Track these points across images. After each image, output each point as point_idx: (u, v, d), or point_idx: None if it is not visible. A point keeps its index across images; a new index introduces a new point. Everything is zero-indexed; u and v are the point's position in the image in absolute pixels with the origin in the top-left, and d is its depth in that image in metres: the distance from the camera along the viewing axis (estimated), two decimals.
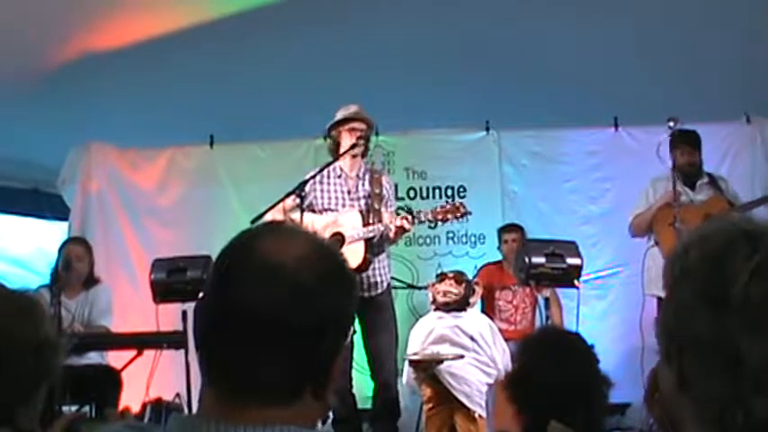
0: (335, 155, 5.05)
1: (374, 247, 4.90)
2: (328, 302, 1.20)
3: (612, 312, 6.44)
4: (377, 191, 5.01)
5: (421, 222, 4.92)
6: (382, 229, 4.82)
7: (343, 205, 4.97)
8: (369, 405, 5.04)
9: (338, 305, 1.22)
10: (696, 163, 5.66)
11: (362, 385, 5.16)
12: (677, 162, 5.48)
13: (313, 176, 4.92)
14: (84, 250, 5.61)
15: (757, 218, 1.04)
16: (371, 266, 4.87)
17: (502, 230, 6.29)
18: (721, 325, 0.95)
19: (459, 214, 4.86)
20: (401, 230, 4.82)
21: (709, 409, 0.96)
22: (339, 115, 5.07)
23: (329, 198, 5.00)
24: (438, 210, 4.88)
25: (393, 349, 4.92)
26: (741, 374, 0.93)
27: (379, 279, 4.91)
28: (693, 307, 0.98)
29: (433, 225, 5.24)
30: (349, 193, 5.01)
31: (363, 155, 5.12)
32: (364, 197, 5.01)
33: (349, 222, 4.89)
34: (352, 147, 4.96)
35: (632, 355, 5.22)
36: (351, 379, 4.84)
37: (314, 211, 4.91)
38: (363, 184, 5.04)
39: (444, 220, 4.88)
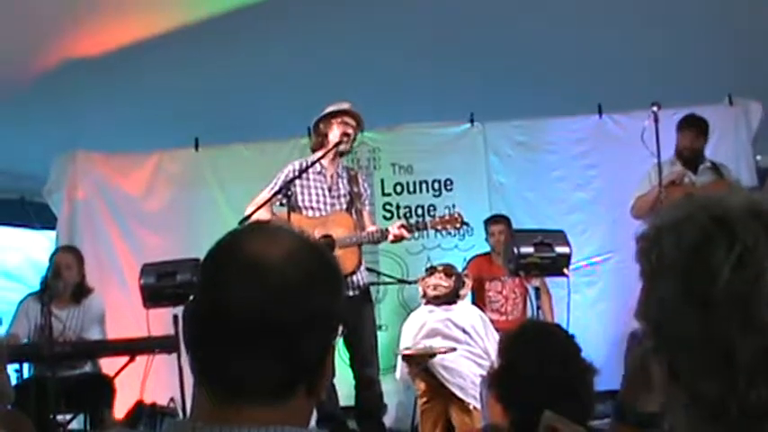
0: (319, 149, 5.03)
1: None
2: (316, 299, 1.19)
3: (603, 299, 6.45)
4: (356, 189, 5.01)
5: (419, 230, 4.95)
6: (378, 236, 4.83)
7: (325, 203, 4.96)
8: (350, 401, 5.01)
9: (326, 302, 1.21)
10: (697, 148, 5.75)
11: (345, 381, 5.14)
12: (679, 144, 5.61)
13: (299, 176, 4.90)
14: (75, 259, 5.58)
15: (720, 196, 1.02)
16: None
17: (488, 222, 6.29)
18: (709, 323, 0.93)
19: (457, 225, 4.89)
20: (399, 239, 4.83)
21: (703, 403, 0.95)
22: (331, 108, 5.04)
23: (310, 195, 4.98)
24: (437, 220, 4.91)
25: (375, 346, 4.93)
26: (734, 369, 0.92)
27: (358, 278, 4.91)
28: (677, 304, 0.96)
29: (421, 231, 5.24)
30: (330, 190, 5.00)
31: (344, 154, 5.11)
32: (344, 196, 5.00)
33: (338, 224, 4.88)
34: (338, 144, 4.94)
35: (624, 342, 5.24)
36: (335, 374, 4.83)
37: (293, 208, 4.89)
38: (342, 182, 5.04)
39: (443, 230, 4.90)
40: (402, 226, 4.79)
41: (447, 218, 4.91)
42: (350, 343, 4.85)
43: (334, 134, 4.96)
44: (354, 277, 4.82)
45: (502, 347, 2.46)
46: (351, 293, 4.76)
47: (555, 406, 2.00)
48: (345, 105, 5.05)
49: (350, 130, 4.97)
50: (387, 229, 4.82)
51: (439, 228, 4.84)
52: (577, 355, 2.38)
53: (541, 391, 2.21)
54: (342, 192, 5.01)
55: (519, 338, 2.45)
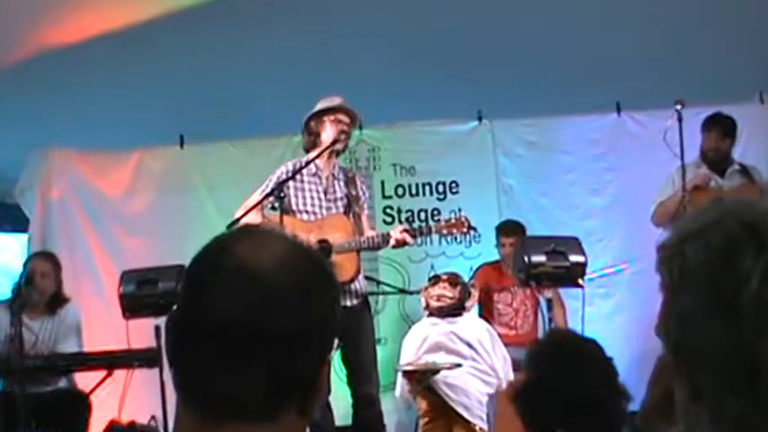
0: (312, 149, 5.03)
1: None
2: (310, 309, 1.19)
3: (620, 312, 6.45)
4: (353, 192, 5.01)
5: (422, 235, 4.94)
6: (378, 240, 4.82)
7: (320, 206, 4.96)
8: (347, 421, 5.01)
9: (321, 312, 1.21)
10: (723, 149, 5.75)
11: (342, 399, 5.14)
12: (704, 145, 5.61)
13: (292, 177, 4.90)
14: (51, 266, 5.58)
15: (749, 201, 1.02)
16: None
17: (500, 231, 6.26)
18: (734, 334, 0.94)
19: (464, 229, 4.88)
20: (402, 245, 4.83)
21: (727, 420, 0.95)
22: (322, 105, 5.05)
23: (304, 197, 4.97)
24: (441, 224, 4.90)
25: (375, 360, 4.92)
26: (760, 383, 0.92)
27: (357, 286, 4.91)
28: (701, 316, 0.96)
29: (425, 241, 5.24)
30: (325, 193, 4.99)
31: (339, 153, 5.11)
32: (341, 198, 5.00)
33: (335, 228, 4.87)
34: (334, 142, 4.94)
35: (644, 359, 5.21)
36: (330, 391, 4.83)
37: (287, 211, 4.89)
38: (339, 184, 5.03)
39: (448, 235, 4.90)
40: (405, 230, 4.79)
41: (453, 222, 4.91)
42: (347, 357, 4.84)
43: (328, 133, 4.96)
44: (352, 286, 4.81)
45: (533, 359, 2.42)
46: (348, 303, 4.75)
47: (585, 429, 1.98)
48: (337, 101, 5.04)
49: (344, 129, 4.96)
50: (388, 234, 4.82)
51: (444, 232, 4.85)
52: (616, 377, 2.36)
53: (573, 412, 2.19)
54: (338, 194, 5.00)
55: (555, 350, 2.42)
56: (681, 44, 6.34)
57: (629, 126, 6.76)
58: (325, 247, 4.73)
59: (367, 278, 5.32)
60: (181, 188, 6.95)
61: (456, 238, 6.74)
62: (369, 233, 4.91)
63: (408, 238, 4.77)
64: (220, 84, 6.59)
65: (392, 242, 4.78)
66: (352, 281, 4.78)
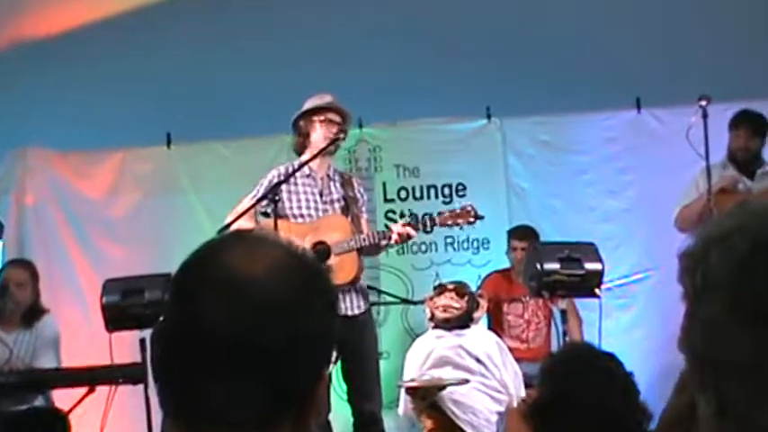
0: (302, 150, 5.05)
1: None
2: (305, 320, 1.19)
3: (640, 325, 6.45)
4: (351, 194, 5.02)
5: (426, 230, 4.94)
6: (379, 236, 4.83)
7: (316, 209, 4.97)
8: None
9: (318, 323, 1.21)
10: (752, 149, 5.74)
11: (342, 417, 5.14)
12: (732, 145, 5.60)
13: (285, 180, 4.91)
14: (29, 276, 5.58)
15: None
16: None
17: (511, 234, 6.28)
18: (762, 345, 0.94)
19: (470, 218, 4.87)
20: (405, 238, 4.83)
21: None
22: (311, 104, 5.06)
23: (299, 201, 4.98)
24: (445, 214, 4.89)
25: (378, 376, 4.92)
26: None
27: (359, 291, 4.91)
28: (726, 326, 0.96)
29: (429, 230, 5.24)
30: (321, 195, 5.01)
31: (333, 153, 5.12)
32: (338, 201, 5.01)
33: (333, 228, 4.89)
34: (334, 141, 4.95)
35: (665, 375, 5.20)
36: (329, 409, 4.84)
37: (280, 216, 4.90)
38: (335, 186, 5.04)
39: (454, 226, 4.90)
40: (407, 223, 4.80)
41: (458, 211, 4.90)
42: (347, 372, 4.84)
43: (318, 134, 4.98)
44: (353, 291, 4.82)
45: (547, 374, 2.42)
46: (349, 312, 4.76)
47: None
48: (327, 98, 5.05)
49: (335, 129, 4.98)
50: (389, 229, 4.84)
51: (449, 223, 4.85)
52: (637, 394, 2.36)
53: (592, 431, 2.19)
54: (335, 196, 5.02)
55: (572, 366, 2.41)
56: (706, 35, 6.32)
57: (649, 123, 6.76)
58: (322, 249, 4.74)
59: (368, 287, 5.32)
60: (168, 191, 6.95)
61: (464, 245, 6.74)
62: (371, 231, 4.93)
63: (411, 231, 4.78)
64: (210, 79, 6.59)
65: (394, 236, 4.78)
66: (353, 282, 4.79)
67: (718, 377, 0.98)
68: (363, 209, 5.11)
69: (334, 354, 1.28)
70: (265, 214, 4.92)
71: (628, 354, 6.06)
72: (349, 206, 5.00)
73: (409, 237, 4.82)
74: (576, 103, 6.70)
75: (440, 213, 4.89)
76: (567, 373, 2.37)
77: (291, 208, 4.96)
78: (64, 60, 6.24)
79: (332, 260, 4.72)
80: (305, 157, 4.98)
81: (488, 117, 6.85)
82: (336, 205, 5.01)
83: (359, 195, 5.09)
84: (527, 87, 6.74)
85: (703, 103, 5.20)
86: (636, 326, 6.47)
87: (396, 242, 4.85)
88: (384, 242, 4.85)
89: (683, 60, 6.47)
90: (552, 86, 6.70)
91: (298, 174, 4.97)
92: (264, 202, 4.85)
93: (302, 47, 6.37)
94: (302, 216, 4.96)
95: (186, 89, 6.68)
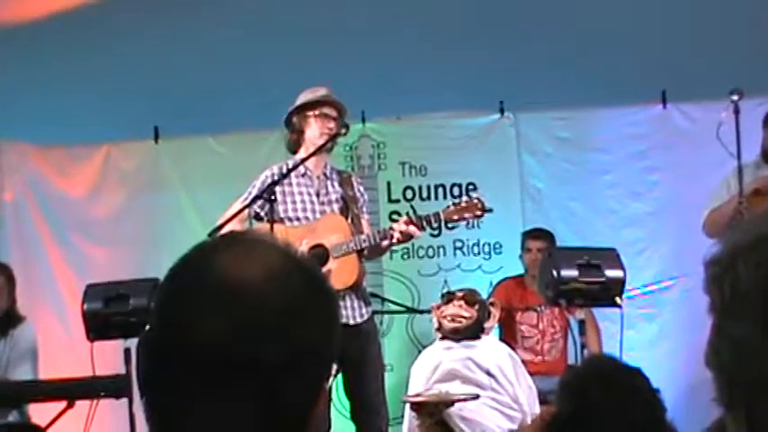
0: (296, 148, 5.04)
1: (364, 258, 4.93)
2: (304, 330, 1.19)
3: (665, 338, 6.45)
4: (350, 193, 5.01)
5: (431, 227, 4.91)
6: (380, 235, 4.80)
7: (313, 210, 4.96)
8: None
9: (317, 334, 1.21)
10: None
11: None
12: (765, 144, 5.58)
13: (278, 181, 4.90)
14: (4, 280, 5.60)
15: None
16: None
17: (526, 236, 6.29)
18: None
19: (478, 211, 4.85)
20: (407, 237, 4.79)
21: None
22: (304, 98, 5.06)
23: (294, 202, 4.97)
24: (452, 209, 4.84)
25: (384, 390, 4.92)
26: None
27: (360, 297, 4.90)
28: (757, 343, 0.96)
29: (437, 233, 5.23)
30: (318, 195, 5.00)
31: (330, 150, 5.12)
32: (336, 201, 5.00)
33: (331, 230, 4.88)
34: (333, 138, 4.95)
35: (693, 392, 5.23)
36: (329, 427, 4.83)
37: (275, 220, 4.89)
38: (333, 185, 5.04)
39: (461, 221, 4.87)
40: (410, 221, 4.75)
41: (464, 204, 4.83)
42: (350, 387, 4.84)
43: (313, 131, 4.98)
44: (355, 297, 4.81)
45: (566, 389, 2.41)
46: (351, 321, 4.76)
47: None
48: (322, 91, 5.04)
49: (331, 125, 4.96)
50: (391, 228, 4.79)
51: (455, 218, 4.80)
52: (663, 412, 2.36)
53: None
54: (332, 196, 5.02)
55: (594, 381, 2.41)
56: (739, 23, 6.30)
57: (676, 119, 6.75)
58: (320, 252, 4.73)
59: (370, 294, 5.32)
60: (155, 189, 6.96)
61: (474, 250, 6.74)
62: (372, 231, 4.90)
63: (415, 230, 4.73)
64: (202, 69, 6.58)
65: (396, 235, 4.73)
66: (354, 287, 4.77)
67: (748, 396, 0.98)
68: (364, 209, 5.10)
69: (335, 366, 1.27)
70: (258, 217, 4.92)
71: (652, 368, 6.08)
72: (348, 206, 4.99)
73: (412, 236, 4.78)
74: (597, 97, 6.70)
75: (445, 208, 4.83)
76: (588, 388, 2.36)
77: (287, 210, 4.96)
78: (42, 46, 6.23)
79: (330, 264, 4.71)
80: (301, 156, 4.98)
81: (501, 111, 6.85)
82: (335, 206, 5.00)
83: (359, 194, 5.08)
84: (544, 79, 6.73)
85: (735, 97, 5.19)
86: (661, 338, 6.47)
87: (398, 241, 4.79)
88: (386, 242, 4.81)
89: (714, 50, 6.44)
90: (571, 78, 6.69)
91: (293, 173, 4.96)
92: (259, 203, 4.84)
93: (302, 35, 6.37)
94: (298, 219, 4.95)
95: (176, 80, 6.67)
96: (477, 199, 4.86)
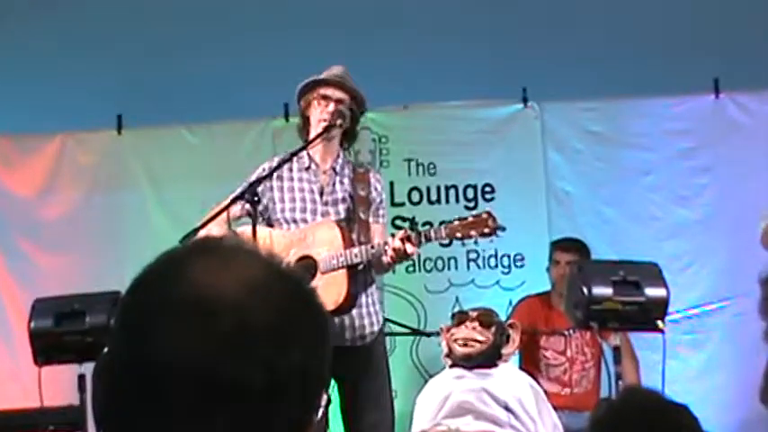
0: (307, 137, 5.00)
1: (361, 276, 4.88)
2: (289, 352, 1.19)
3: (715, 368, 6.44)
4: (362, 193, 4.96)
5: (429, 241, 4.89)
6: (373, 251, 4.77)
7: (314, 212, 4.94)
8: None
9: (305, 355, 1.21)
10: None
11: None
12: None
13: (269, 175, 4.89)
14: None
15: None
16: (357, 303, 4.86)
17: (555, 246, 6.29)
18: None
19: (487, 229, 4.83)
20: (402, 256, 4.74)
21: None
22: (310, 78, 5.03)
23: (293, 200, 4.95)
24: (456, 224, 4.82)
25: (391, 424, 4.92)
26: None
27: (366, 321, 4.89)
28: None
29: (447, 242, 5.21)
30: (321, 194, 4.98)
31: (344, 141, 5.08)
32: (343, 201, 4.98)
33: (323, 240, 4.87)
34: (327, 129, 4.92)
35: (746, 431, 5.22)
36: None
37: (269, 221, 4.88)
38: (342, 182, 5.01)
39: (465, 238, 4.84)
40: (405, 236, 4.67)
41: (471, 219, 4.79)
42: (348, 420, 4.84)
43: (314, 117, 4.94)
44: (353, 314, 4.80)
45: (600, 426, 2.41)
46: (348, 343, 4.76)
47: None
48: (334, 70, 5.01)
49: (332, 107, 4.91)
50: (385, 243, 4.74)
51: (459, 235, 4.76)
52: None
53: None
54: (339, 195, 4.97)
55: (633, 418, 2.41)
56: None
57: (730, 112, 6.75)
58: (308, 264, 4.72)
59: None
60: (117, 186, 6.97)
61: (490, 263, 6.74)
62: (365, 247, 4.81)
63: (410, 248, 4.67)
64: (174, 49, 6.60)
65: (390, 253, 4.64)
66: (338, 311, 4.70)
67: None
68: (380, 212, 5.04)
69: (325, 396, 1.27)
70: (249, 215, 4.84)
71: (699, 404, 6.10)
72: (355, 208, 4.95)
73: (407, 254, 4.69)
74: (635, 85, 6.71)
75: (448, 223, 4.78)
76: (624, 426, 2.37)
77: (284, 210, 4.92)
78: None
79: (317, 280, 4.67)
80: (296, 148, 4.96)
81: (524, 101, 6.86)
82: (340, 206, 4.96)
83: (374, 194, 5.00)
84: (572, 65, 6.74)
85: None
86: (710, 370, 6.46)
87: (392, 259, 4.70)
88: (385, 258, 4.76)
89: None
90: (605, 63, 6.70)
91: (294, 167, 4.95)
92: (240, 204, 4.80)
93: (294, 17, 6.38)
94: (295, 221, 4.91)
95: (143, 63, 6.69)
96: (488, 213, 4.80)
